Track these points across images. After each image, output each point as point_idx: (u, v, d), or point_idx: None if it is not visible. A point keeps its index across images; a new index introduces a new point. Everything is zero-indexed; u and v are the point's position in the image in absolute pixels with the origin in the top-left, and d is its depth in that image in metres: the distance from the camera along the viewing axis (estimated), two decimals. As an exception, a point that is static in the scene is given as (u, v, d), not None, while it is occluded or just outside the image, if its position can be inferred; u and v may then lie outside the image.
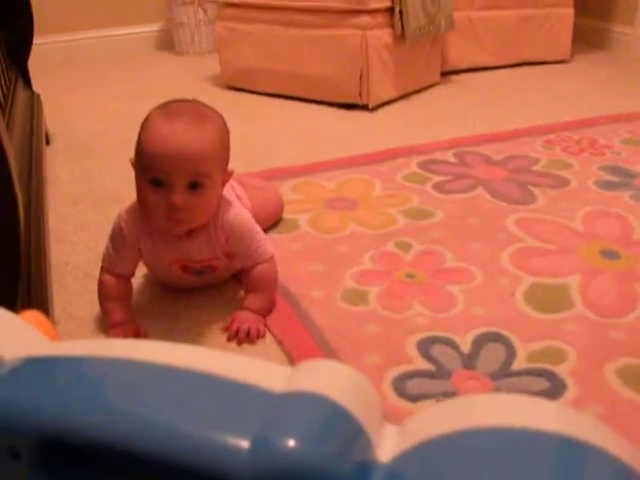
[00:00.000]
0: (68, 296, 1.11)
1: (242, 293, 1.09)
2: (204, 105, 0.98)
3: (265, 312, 1.03)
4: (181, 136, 0.89)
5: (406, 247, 1.25)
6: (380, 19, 2.10)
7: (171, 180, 0.90)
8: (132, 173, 0.95)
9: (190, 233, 0.99)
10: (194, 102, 0.98)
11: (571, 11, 2.80)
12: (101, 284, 1.02)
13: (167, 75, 2.77)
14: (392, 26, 2.13)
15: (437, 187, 1.53)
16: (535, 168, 1.64)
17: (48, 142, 1.87)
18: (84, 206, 1.48)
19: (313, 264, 1.20)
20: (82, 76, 2.78)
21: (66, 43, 3.09)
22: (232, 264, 1.07)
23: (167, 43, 3.29)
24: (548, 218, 1.38)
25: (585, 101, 2.25)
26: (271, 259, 1.04)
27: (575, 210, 1.41)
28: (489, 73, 2.65)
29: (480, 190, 1.51)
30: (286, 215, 1.38)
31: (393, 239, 1.28)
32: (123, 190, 1.47)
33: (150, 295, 1.12)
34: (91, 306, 1.07)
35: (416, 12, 2.16)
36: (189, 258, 1.02)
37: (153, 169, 0.90)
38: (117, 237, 1.00)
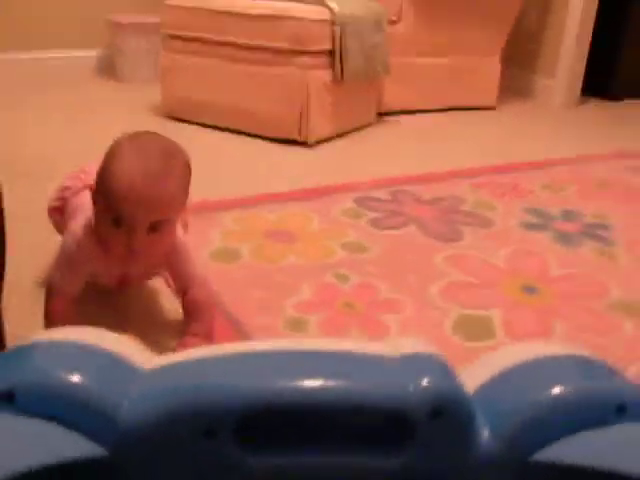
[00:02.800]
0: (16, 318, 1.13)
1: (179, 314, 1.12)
2: (170, 141, 0.98)
3: (210, 336, 1.08)
4: (147, 182, 0.89)
5: (344, 279, 1.32)
6: (320, 60, 2.20)
7: (133, 222, 0.90)
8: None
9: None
10: (160, 138, 0.98)
11: (497, 60, 2.99)
12: (53, 312, 1.00)
13: (108, 101, 2.80)
14: (332, 67, 2.23)
15: (372, 223, 1.62)
16: (463, 208, 1.76)
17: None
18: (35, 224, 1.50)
19: (256, 292, 1.25)
20: (20, 99, 2.77)
21: (2, 63, 3.07)
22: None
23: (107, 69, 3.31)
24: (474, 255, 1.48)
25: (509, 147, 2.41)
26: (206, 282, 1.08)
27: (499, 248, 1.52)
28: (421, 116, 2.80)
29: (412, 227, 1.61)
30: (228, 244, 1.44)
31: (331, 271, 1.35)
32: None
33: (88, 313, 1.15)
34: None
35: (355, 55, 2.27)
36: (132, 274, 1.06)
37: (115, 210, 0.90)
38: (74, 255, 1.00)
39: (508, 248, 1.53)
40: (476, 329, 1.18)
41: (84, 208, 1.04)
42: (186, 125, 2.43)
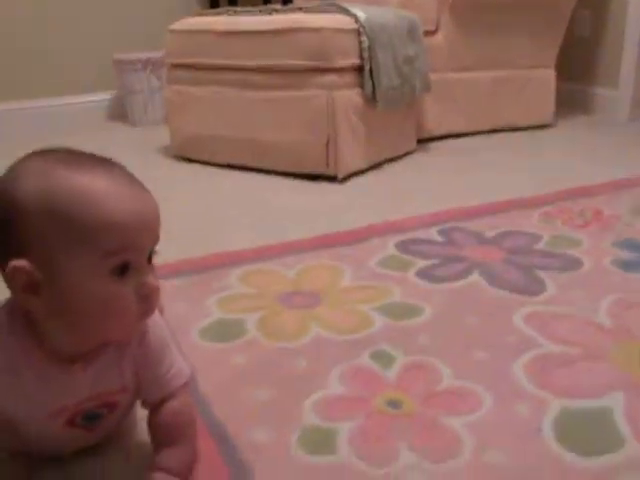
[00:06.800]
0: None
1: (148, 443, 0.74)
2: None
3: (188, 469, 0.71)
4: (137, 193, 0.64)
5: (387, 360, 0.93)
6: (348, 78, 1.85)
7: (142, 257, 0.64)
8: None
9: (90, 355, 0.66)
10: (75, 150, 0.69)
11: (551, 71, 2.60)
12: None
13: (114, 147, 2.47)
14: (362, 86, 1.88)
15: (422, 274, 1.23)
16: (537, 247, 1.36)
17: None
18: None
19: (260, 388, 0.87)
20: (29, 149, 2.47)
21: (9, 112, 2.81)
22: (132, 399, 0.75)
23: (119, 113, 3.03)
24: (564, 312, 1.08)
25: (577, 169, 2.00)
26: (185, 387, 0.73)
27: (596, 299, 1.12)
28: (468, 140, 2.41)
29: (475, 276, 1.21)
30: (230, 315, 1.07)
31: (369, 348, 0.96)
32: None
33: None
34: None
35: (388, 70, 1.91)
36: (83, 397, 0.68)
37: (122, 249, 0.62)
38: None
39: (608, 298, 1.13)
40: (592, 433, 0.78)
41: None
42: (197, 165, 2.11)
